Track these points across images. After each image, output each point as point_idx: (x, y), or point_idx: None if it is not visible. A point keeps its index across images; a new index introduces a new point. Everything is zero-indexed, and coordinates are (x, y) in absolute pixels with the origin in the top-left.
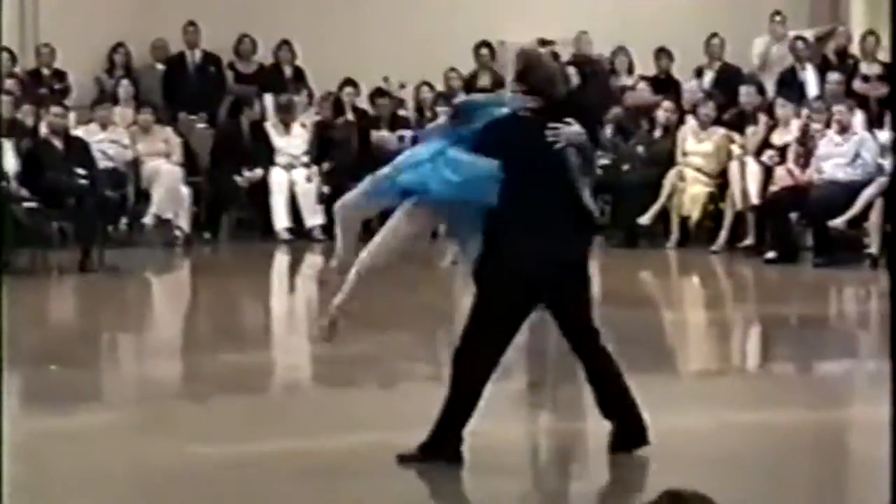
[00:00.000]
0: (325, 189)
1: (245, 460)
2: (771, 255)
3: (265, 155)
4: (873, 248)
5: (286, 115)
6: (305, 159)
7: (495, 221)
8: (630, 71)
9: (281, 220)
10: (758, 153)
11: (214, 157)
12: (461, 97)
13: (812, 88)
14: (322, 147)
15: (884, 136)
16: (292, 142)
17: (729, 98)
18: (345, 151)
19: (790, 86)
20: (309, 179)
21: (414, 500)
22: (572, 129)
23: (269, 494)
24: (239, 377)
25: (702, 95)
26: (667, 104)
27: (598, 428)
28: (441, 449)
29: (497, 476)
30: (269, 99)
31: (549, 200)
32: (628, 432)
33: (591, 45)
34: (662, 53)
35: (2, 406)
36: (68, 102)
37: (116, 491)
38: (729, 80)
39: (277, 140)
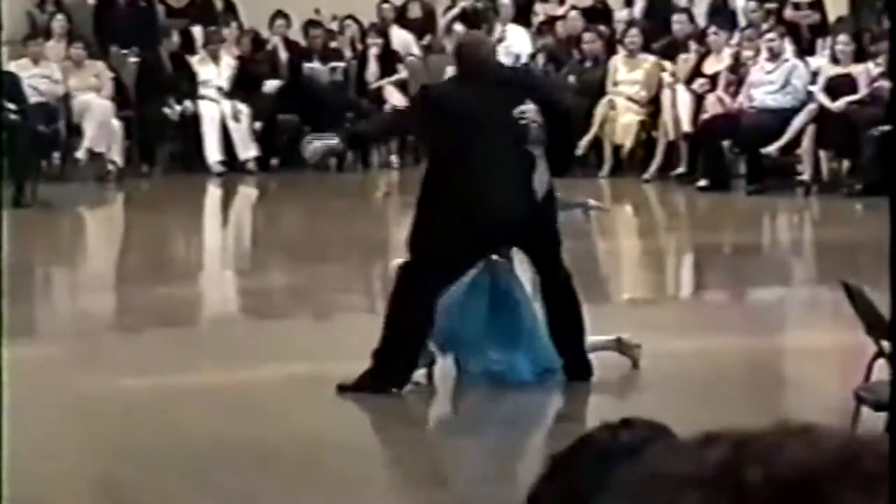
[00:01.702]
0: (257, 124)
1: (178, 392)
2: (703, 182)
3: (191, 87)
4: (805, 175)
5: (214, 48)
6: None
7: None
8: (562, 1)
9: (213, 153)
10: (689, 81)
11: (139, 90)
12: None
13: (743, 17)
14: (248, 81)
15: (815, 62)
16: (222, 73)
17: (661, 27)
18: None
19: (722, 14)
20: (236, 118)
21: (352, 431)
22: (531, 107)
23: (206, 427)
24: (172, 310)
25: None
26: (588, 35)
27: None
28: (382, 379)
29: (431, 401)
30: (197, 31)
31: (499, 157)
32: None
33: None
34: None
35: None
36: None
37: (49, 425)
38: (660, 8)
39: (203, 72)
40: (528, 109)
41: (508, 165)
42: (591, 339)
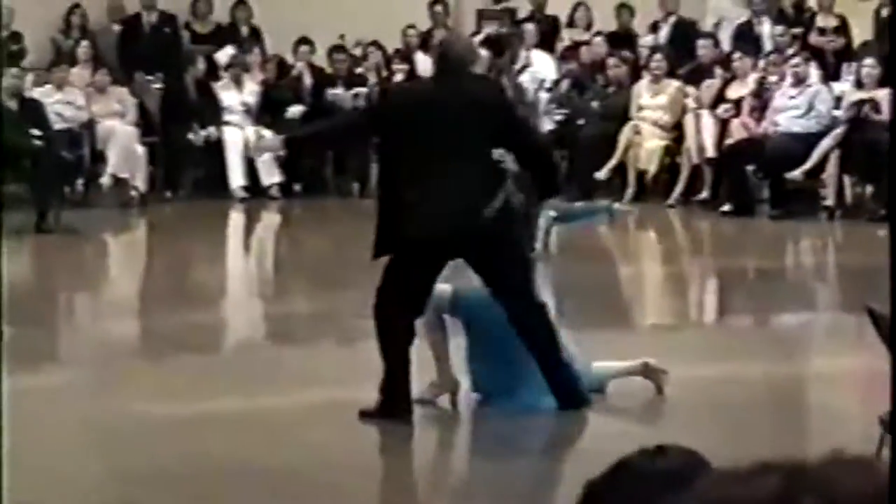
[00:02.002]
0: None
1: (202, 418)
2: (727, 207)
3: (215, 113)
4: (829, 200)
5: (237, 73)
6: (253, 118)
7: (399, 184)
8: (588, 27)
9: (237, 179)
10: (713, 106)
11: (163, 116)
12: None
13: (768, 42)
14: (273, 106)
15: (839, 87)
16: (245, 99)
17: (686, 52)
18: (293, 111)
19: (747, 39)
20: (259, 141)
21: (373, 456)
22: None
23: (227, 452)
24: (195, 336)
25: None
26: (612, 60)
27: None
28: (391, 408)
29: (455, 429)
30: (220, 56)
31: (452, 165)
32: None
33: (548, 1)
34: (623, 9)
35: None
36: (24, 64)
37: (71, 450)
38: (685, 34)
39: (226, 98)
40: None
41: (456, 175)
42: (617, 364)
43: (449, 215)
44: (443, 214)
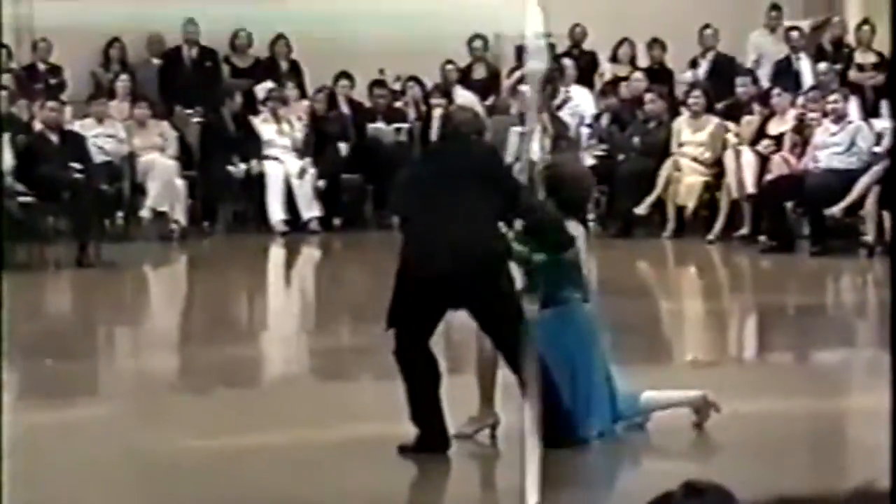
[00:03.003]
0: (321, 183)
1: (242, 453)
2: (767, 243)
3: (254, 147)
4: (869, 237)
5: (276, 106)
6: (298, 152)
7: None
8: (633, 62)
9: (277, 212)
10: (753, 143)
11: (203, 150)
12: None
13: (807, 78)
14: (316, 140)
15: (879, 124)
16: (286, 134)
17: (725, 88)
18: (337, 145)
19: (786, 76)
20: (302, 174)
21: (410, 491)
22: None
23: (267, 487)
24: (235, 370)
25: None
26: (649, 95)
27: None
28: (426, 441)
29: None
30: (259, 90)
31: (447, 213)
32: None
33: (586, 37)
34: (655, 44)
35: (1, 401)
36: (64, 97)
37: (112, 484)
38: (724, 70)
39: (266, 131)
40: None
41: (455, 224)
42: (675, 393)
43: (446, 261)
44: (440, 260)
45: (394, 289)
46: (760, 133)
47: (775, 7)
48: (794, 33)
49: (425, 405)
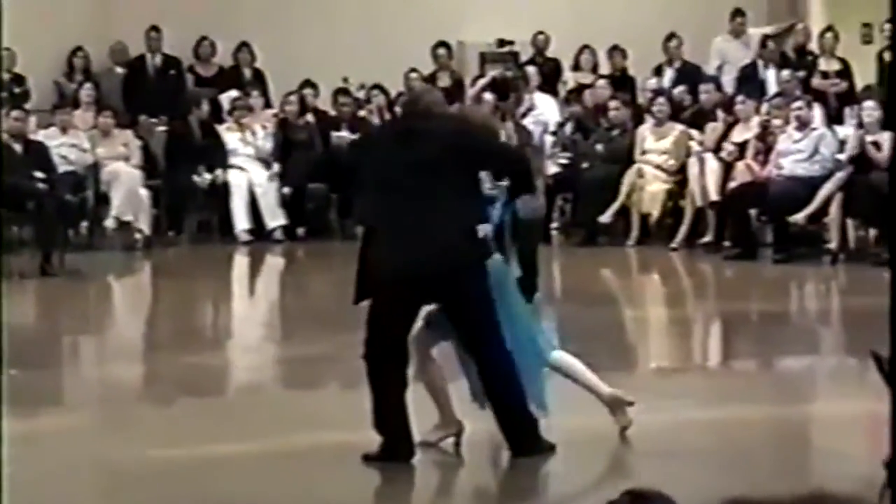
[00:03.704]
0: (286, 190)
1: (207, 462)
2: (731, 251)
3: (221, 155)
4: (832, 244)
5: (241, 115)
6: (262, 161)
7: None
8: (595, 70)
9: (241, 221)
10: (716, 150)
11: (168, 159)
12: None
13: (772, 85)
14: (283, 147)
15: (843, 131)
16: (249, 143)
17: (690, 96)
18: (305, 152)
19: (750, 83)
20: (271, 178)
21: (375, 499)
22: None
23: (233, 495)
24: (200, 379)
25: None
26: (613, 103)
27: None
28: (391, 450)
29: (457, 472)
30: (224, 99)
31: (420, 207)
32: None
33: (549, 44)
34: (616, 51)
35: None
36: (28, 106)
37: (77, 494)
38: (689, 78)
39: (230, 140)
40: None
41: (427, 215)
42: (591, 375)
43: (420, 256)
44: (414, 255)
45: (357, 265)
46: (723, 140)
47: (739, 13)
48: (770, 43)
49: (391, 412)
